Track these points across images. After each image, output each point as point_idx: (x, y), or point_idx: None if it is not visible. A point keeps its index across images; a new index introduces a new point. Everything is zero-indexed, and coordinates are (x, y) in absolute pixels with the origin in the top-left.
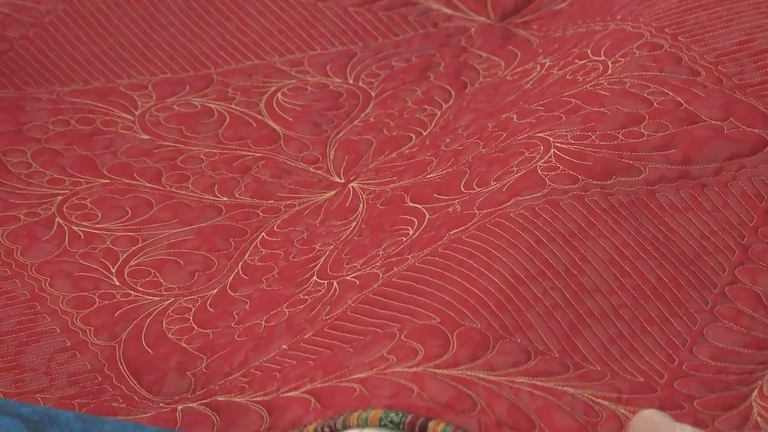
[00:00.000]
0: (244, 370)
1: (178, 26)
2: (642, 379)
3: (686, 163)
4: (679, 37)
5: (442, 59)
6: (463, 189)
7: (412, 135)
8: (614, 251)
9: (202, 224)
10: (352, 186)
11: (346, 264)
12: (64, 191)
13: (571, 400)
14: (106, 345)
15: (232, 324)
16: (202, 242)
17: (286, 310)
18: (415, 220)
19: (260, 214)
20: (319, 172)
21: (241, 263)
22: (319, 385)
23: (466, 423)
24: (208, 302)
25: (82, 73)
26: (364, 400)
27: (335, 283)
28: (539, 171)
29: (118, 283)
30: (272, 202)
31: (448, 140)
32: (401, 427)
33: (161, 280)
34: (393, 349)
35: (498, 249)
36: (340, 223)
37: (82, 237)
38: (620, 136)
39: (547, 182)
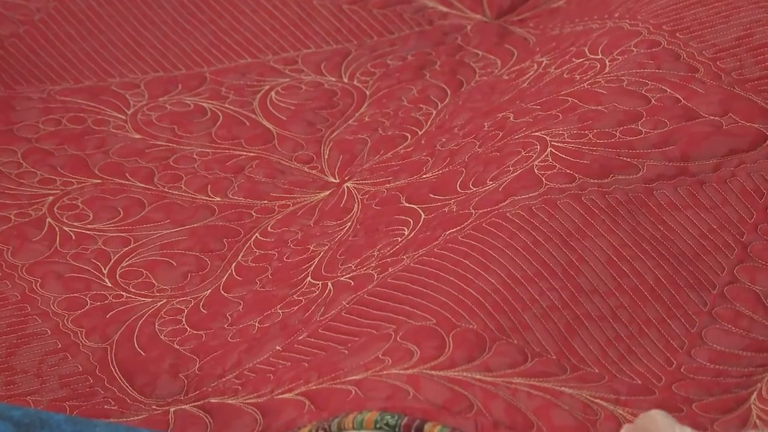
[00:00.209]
0: (237, 372)
1: (171, 24)
2: (640, 382)
3: (685, 160)
4: (677, 34)
5: (437, 57)
6: (459, 189)
7: (408, 134)
8: (612, 251)
9: (195, 224)
10: (347, 186)
11: (341, 265)
12: (55, 191)
13: (569, 400)
14: (97, 347)
15: (226, 325)
16: (195, 243)
17: (279, 311)
18: (410, 220)
19: (254, 214)
20: (314, 171)
21: (234, 264)
22: (314, 387)
23: (463, 424)
24: (201, 303)
25: (73, 72)
26: (359, 402)
27: (330, 284)
28: (536, 170)
29: (110, 285)
30: (266, 202)
31: (443, 140)
32: (397, 429)
33: (154, 281)
34: (388, 351)
35: (494, 249)
36: (334, 223)
37: (74, 238)
38: (618, 134)
39: (544, 181)
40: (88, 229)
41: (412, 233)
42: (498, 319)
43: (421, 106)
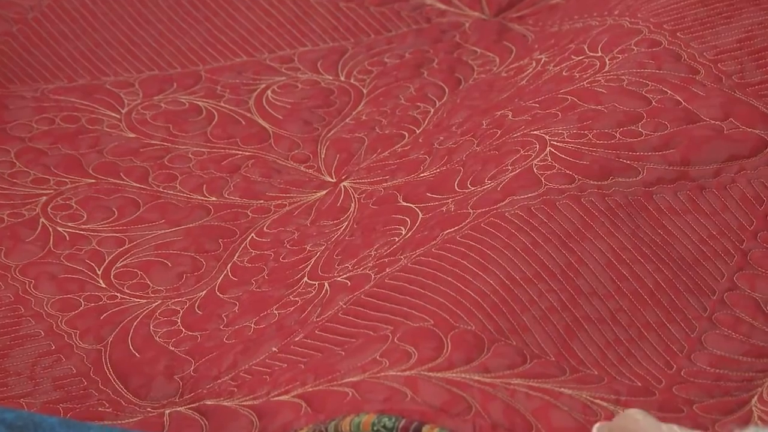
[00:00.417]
0: (233, 374)
1: (166, 22)
2: (640, 384)
3: (685, 164)
4: (678, 34)
5: (435, 55)
6: (457, 188)
7: (405, 133)
8: (611, 254)
9: (191, 225)
10: (344, 185)
11: (338, 265)
12: (48, 191)
13: (568, 401)
14: (91, 348)
15: (221, 326)
16: (190, 243)
17: (276, 312)
18: (408, 219)
19: (250, 214)
20: (310, 171)
21: (230, 265)
22: (310, 389)
23: (461, 426)
24: (196, 304)
25: (67, 70)
26: (356, 404)
27: (326, 285)
28: (535, 170)
29: (104, 285)
30: (262, 201)
31: (441, 138)
32: None
33: (148, 282)
34: (386, 352)
35: (493, 250)
36: (331, 223)
37: (68, 238)
38: (618, 135)
39: (543, 181)
40: (82, 230)
41: (410, 233)
42: (496, 320)
43: (419, 104)
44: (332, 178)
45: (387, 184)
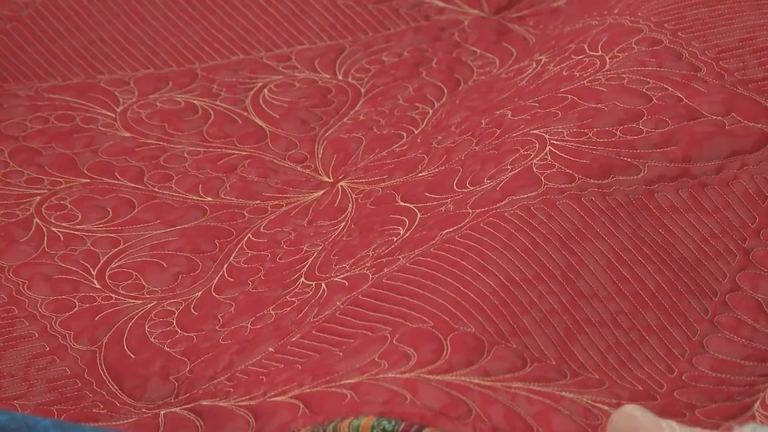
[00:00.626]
0: (229, 374)
1: (161, 20)
2: (641, 388)
3: (686, 161)
4: (679, 33)
5: (434, 54)
6: (455, 187)
7: (403, 133)
8: (612, 255)
9: (186, 225)
10: (341, 185)
11: (335, 265)
12: (42, 191)
13: (569, 404)
14: (86, 350)
15: (217, 327)
16: (186, 243)
17: (272, 312)
18: (406, 219)
19: (246, 214)
20: (307, 171)
21: (226, 265)
22: (308, 390)
23: (462, 430)
24: (192, 305)
25: (61, 69)
26: (355, 406)
27: (323, 285)
28: (534, 169)
29: (98, 286)
30: (258, 202)
31: (440, 137)
32: None
33: (143, 283)
34: (384, 354)
35: (492, 250)
36: (328, 223)
37: (62, 238)
38: (618, 133)
39: (543, 181)
40: (77, 230)
41: (408, 233)
42: (496, 322)
43: (417, 104)
44: (329, 178)
45: (385, 183)
